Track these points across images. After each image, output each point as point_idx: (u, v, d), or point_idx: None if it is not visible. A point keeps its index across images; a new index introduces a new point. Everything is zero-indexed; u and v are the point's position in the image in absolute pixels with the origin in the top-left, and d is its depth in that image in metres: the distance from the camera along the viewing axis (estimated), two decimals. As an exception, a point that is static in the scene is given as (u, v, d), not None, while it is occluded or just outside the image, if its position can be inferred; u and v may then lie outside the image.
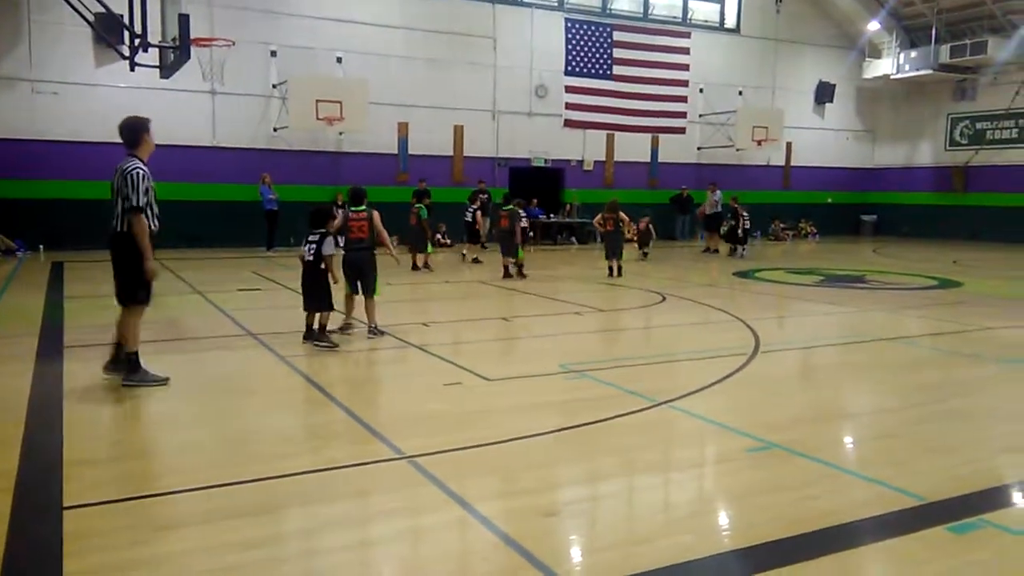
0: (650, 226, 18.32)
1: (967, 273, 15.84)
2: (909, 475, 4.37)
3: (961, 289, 13.22)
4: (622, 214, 14.53)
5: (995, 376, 7.21)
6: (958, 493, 4.12)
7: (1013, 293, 13.19)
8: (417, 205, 14.91)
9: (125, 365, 6.18)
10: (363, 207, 8.24)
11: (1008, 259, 19.64)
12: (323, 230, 7.69)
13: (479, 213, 17.85)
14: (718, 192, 20.90)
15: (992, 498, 4.17)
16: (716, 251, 19.88)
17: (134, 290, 6.10)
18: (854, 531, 3.67)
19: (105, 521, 3.70)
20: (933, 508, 3.93)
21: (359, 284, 8.19)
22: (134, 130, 6.12)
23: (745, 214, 19.03)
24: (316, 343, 7.50)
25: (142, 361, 6.15)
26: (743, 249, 19.07)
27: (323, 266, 7.57)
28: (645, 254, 17.81)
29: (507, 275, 13.81)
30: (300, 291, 7.88)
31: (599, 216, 14.63)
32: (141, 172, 5.96)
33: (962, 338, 8.83)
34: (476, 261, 16.56)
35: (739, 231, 19.05)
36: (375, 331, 8.18)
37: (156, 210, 6.15)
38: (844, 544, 3.54)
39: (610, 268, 14.34)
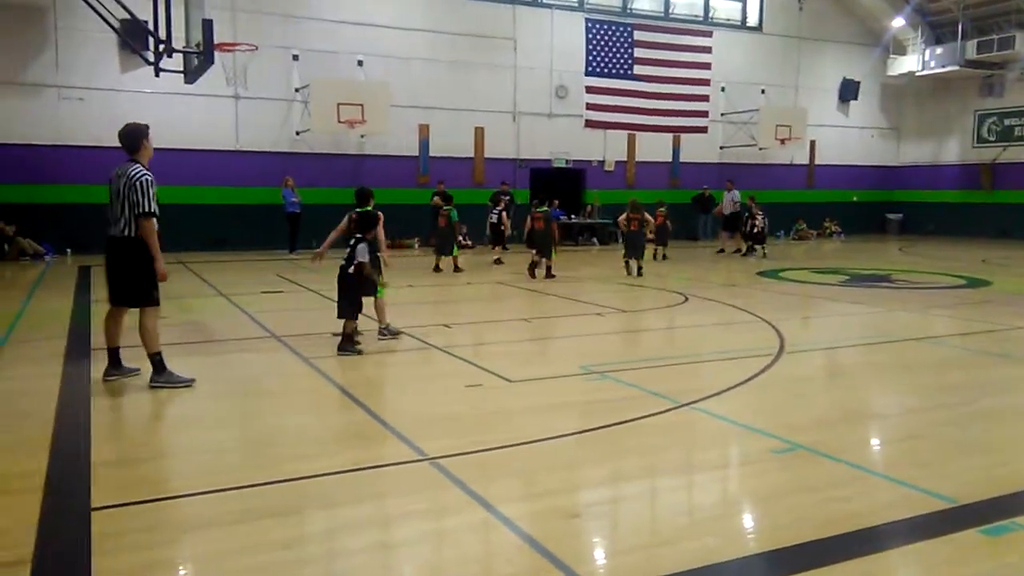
0: (667, 220, 17.65)
1: (996, 272, 15.60)
2: (938, 477, 4.30)
3: (990, 288, 13.02)
4: (646, 215, 14.62)
5: (1026, 376, 7.09)
6: (990, 495, 4.05)
7: (1044, 292, 12.97)
8: (447, 207, 14.98)
9: (121, 366, 6.35)
10: (368, 208, 8.24)
11: (1038, 257, 19.32)
12: (359, 235, 7.60)
13: (504, 214, 17.87)
14: (735, 191, 20.70)
15: (1025, 501, 4.09)
16: (737, 251, 19.66)
17: (148, 292, 6.22)
18: (883, 534, 3.62)
19: (133, 522, 3.74)
20: (964, 510, 3.86)
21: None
22: (134, 136, 6.25)
23: (760, 214, 18.78)
24: (339, 351, 7.41)
25: (166, 362, 6.23)
26: (763, 249, 18.83)
27: (351, 271, 7.46)
28: (664, 256, 17.49)
29: (549, 275, 13.82)
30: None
31: (623, 215, 14.69)
32: (150, 178, 6.12)
33: (991, 337, 8.69)
34: (498, 262, 16.60)
35: (754, 231, 18.82)
36: (386, 331, 8.11)
37: (158, 213, 6.26)
38: (873, 547, 3.49)
39: (627, 265, 14.40)
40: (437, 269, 14.85)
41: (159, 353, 6.20)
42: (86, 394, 6.00)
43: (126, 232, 6.10)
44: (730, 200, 20.71)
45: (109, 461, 4.56)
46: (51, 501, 3.96)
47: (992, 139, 26.53)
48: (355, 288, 7.51)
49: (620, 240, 17.71)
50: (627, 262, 14.48)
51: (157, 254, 6.13)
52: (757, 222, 18.73)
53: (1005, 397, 6.29)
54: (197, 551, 3.50)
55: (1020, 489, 4.23)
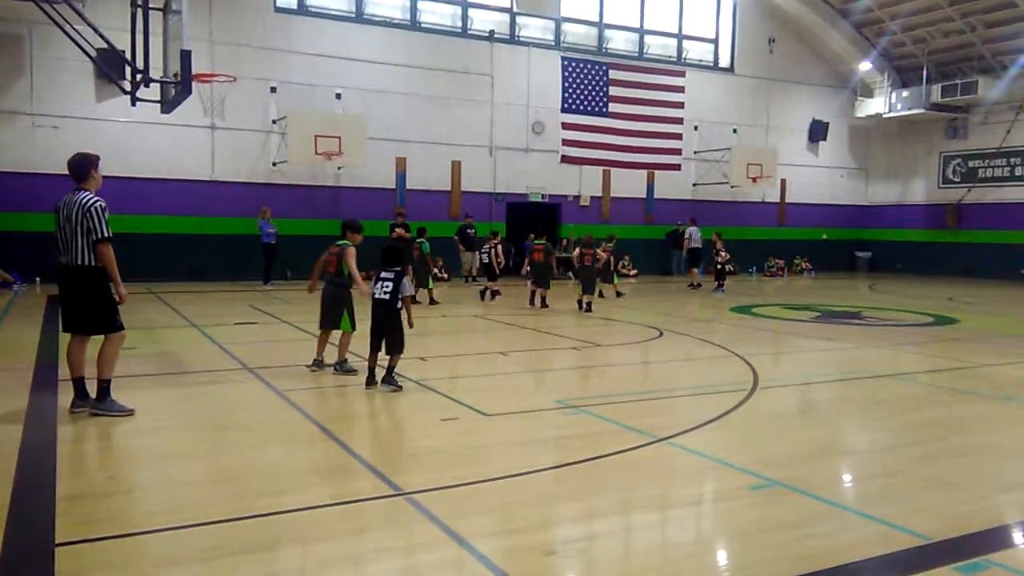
0: (612, 258, 16.80)
1: (962, 310, 15.88)
2: (913, 513, 4.33)
3: (957, 326, 13.24)
4: (598, 251, 15.14)
5: (994, 413, 7.19)
6: (963, 532, 4.08)
7: (1008, 329, 13.22)
8: (419, 240, 14.96)
9: (88, 397, 6.22)
10: (343, 242, 8.18)
11: (1002, 296, 19.72)
12: (398, 268, 7.37)
13: (498, 249, 17.63)
14: (693, 228, 20.94)
15: (997, 537, 4.13)
16: (699, 286, 19.76)
17: (111, 319, 6.20)
18: (858, 571, 3.62)
19: (98, 558, 3.64)
20: (938, 547, 3.88)
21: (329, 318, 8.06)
22: (83, 165, 6.24)
23: (723, 253, 18.83)
24: (383, 385, 7.20)
25: (112, 391, 6.19)
26: (721, 285, 18.74)
27: (399, 306, 7.25)
28: (601, 294, 16.21)
29: (544, 304, 14.34)
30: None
31: (576, 251, 15.18)
32: (103, 204, 6.10)
33: (960, 374, 8.82)
34: (494, 294, 16.45)
35: (717, 266, 18.87)
36: (340, 367, 7.91)
37: (113, 238, 6.23)
38: (849, 584, 3.49)
39: (579, 302, 14.43)
40: (415, 301, 14.71)
41: (109, 381, 6.17)
42: (53, 427, 5.85)
43: (80, 260, 6.02)
44: (689, 235, 21.06)
45: (74, 495, 4.44)
46: (13, 536, 3.84)
47: (957, 180, 27.23)
48: (400, 322, 7.31)
49: (573, 276, 17.46)
50: (579, 300, 14.60)
51: (116, 277, 6.13)
52: (719, 258, 18.88)
53: (974, 434, 6.36)
54: (165, 589, 3.41)
55: (992, 526, 4.27)
